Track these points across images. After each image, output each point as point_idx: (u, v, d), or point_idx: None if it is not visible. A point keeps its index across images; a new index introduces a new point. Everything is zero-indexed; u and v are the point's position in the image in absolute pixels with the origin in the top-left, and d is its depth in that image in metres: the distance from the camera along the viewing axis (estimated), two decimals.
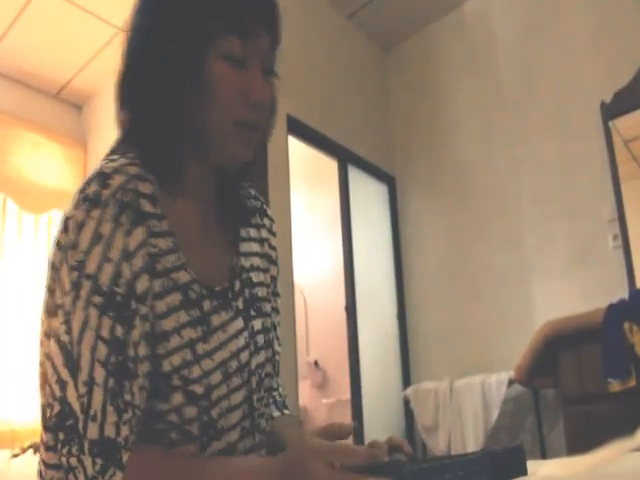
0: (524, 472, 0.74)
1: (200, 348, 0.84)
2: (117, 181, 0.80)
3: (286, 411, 1.09)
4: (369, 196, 3.91)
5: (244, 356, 0.92)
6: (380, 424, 3.46)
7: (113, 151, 0.90)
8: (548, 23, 3.44)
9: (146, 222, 0.81)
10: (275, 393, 1.12)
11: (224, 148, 0.89)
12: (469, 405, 3.04)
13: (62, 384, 0.75)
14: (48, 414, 0.77)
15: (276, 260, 1.09)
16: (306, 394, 4.45)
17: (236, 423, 0.89)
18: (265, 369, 0.97)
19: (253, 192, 1.09)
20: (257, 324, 0.97)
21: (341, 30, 3.98)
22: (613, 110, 3.07)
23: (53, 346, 0.77)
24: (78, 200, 0.79)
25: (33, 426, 3.64)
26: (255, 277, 1.00)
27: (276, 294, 1.08)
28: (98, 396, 0.74)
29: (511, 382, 2.92)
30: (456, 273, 3.61)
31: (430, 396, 3.23)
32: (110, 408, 0.74)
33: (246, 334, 0.93)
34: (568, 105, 3.28)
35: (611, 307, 2.42)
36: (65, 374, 0.75)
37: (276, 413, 1.07)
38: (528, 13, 3.55)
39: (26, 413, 3.68)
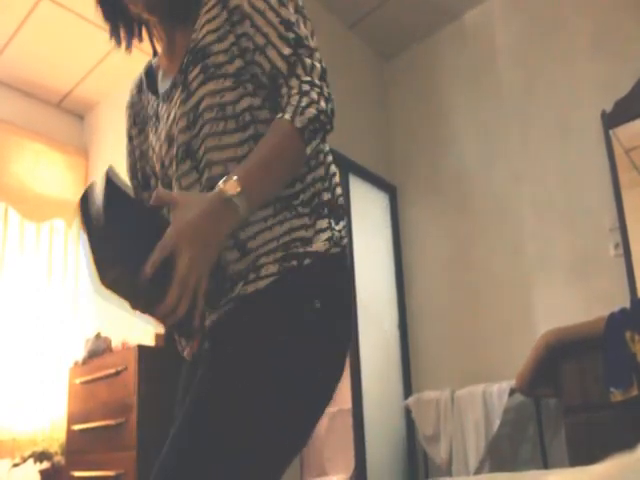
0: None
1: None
2: None
3: (286, 116, 0.95)
4: (370, 205, 3.91)
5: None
6: (381, 433, 3.45)
7: None
8: (548, 33, 3.46)
9: None
10: (283, 99, 1.00)
11: None
12: (470, 414, 3.03)
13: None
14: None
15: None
16: None
17: None
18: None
19: None
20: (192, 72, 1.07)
21: (342, 40, 3.99)
22: (614, 119, 3.07)
23: None
24: None
25: (33, 435, 3.63)
26: (209, 45, 1.06)
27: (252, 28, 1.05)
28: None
29: (512, 391, 2.91)
30: (457, 282, 3.61)
31: (431, 406, 3.21)
32: None
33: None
34: (569, 114, 3.29)
35: (612, 316, 2.41)
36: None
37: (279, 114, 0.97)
38: (528, 23, 3.57)
39: (26, 422, 3.66)
